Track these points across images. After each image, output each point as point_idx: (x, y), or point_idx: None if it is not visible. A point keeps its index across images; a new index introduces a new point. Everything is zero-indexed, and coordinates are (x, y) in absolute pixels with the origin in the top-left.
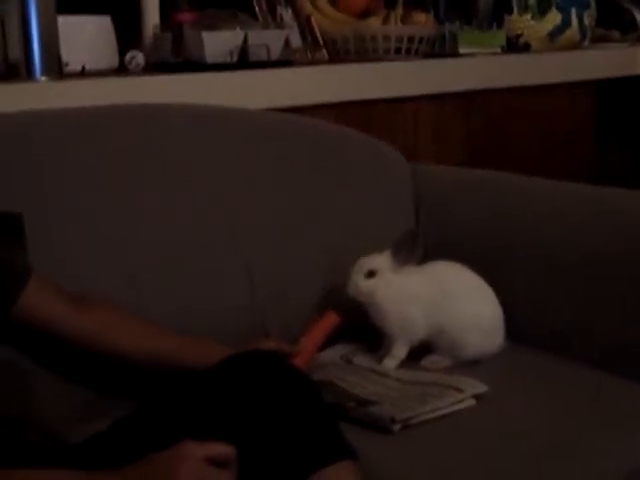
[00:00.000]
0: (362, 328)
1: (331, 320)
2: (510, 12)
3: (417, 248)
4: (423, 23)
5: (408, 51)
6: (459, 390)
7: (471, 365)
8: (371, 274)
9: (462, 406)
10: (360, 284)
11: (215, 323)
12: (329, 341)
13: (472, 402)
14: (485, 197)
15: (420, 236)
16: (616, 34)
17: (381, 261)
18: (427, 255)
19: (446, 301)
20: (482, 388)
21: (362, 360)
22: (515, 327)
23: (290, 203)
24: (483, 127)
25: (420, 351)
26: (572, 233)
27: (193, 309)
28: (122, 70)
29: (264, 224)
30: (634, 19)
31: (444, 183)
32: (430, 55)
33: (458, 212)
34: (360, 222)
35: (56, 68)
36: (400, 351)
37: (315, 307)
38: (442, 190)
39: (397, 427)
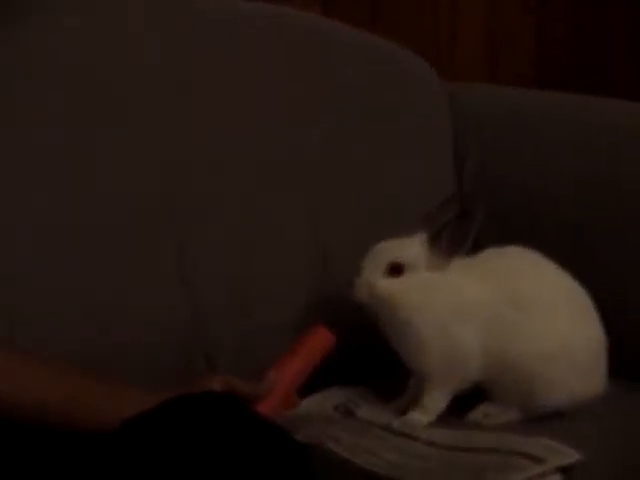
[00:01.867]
0: (372, 358)
1: (321, 340)
2: None
3: (467, 228)
4: None
5: None
6: (536, 460)
7: (552, 420)
8: (396, 270)
9: None
10: (378, 283)
11: (134, 350)
12: (318, 378)
13: (557, 478)
14: (576, 140)
15: (472, 207)
16: None
17: (412, 249)
18: (479, 237)
19: (518, 317)
20: (572, 456)
21: (371, 412)
22: (625, 359)
23: (266, 152)
24: (565, 21)
25: (468, 398)
26: None
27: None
28: None
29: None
30: None
31: (503, 116)
32: None
33: (528, 164)
34: (372, 185)
35: None
36: (437, 399)
37: (297, 321)
38: (500, 128)
39: None
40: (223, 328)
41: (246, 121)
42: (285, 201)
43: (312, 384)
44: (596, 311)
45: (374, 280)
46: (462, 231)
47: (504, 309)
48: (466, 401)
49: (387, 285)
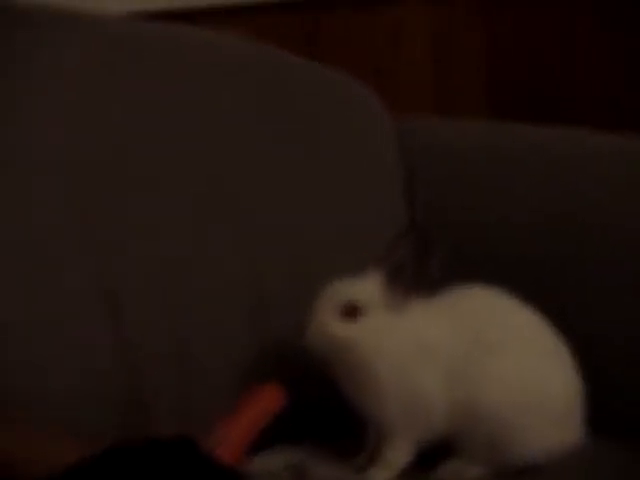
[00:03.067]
0: (325, 412)
1: (271, 399)
2: None
3: (427, 264)
4: None
5: None
6: None
7: (525, 476)
8: (351, 312)
9: None
10: (332, 326)
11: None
12: (266, 437)
13: None
14: (535, 173)
15: (430, 242)
16: None
17: (368, 289)
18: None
19: (485, 362)
20: None
21: (326, 472)
22: (602, 408)
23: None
24: (517, 43)
25: (433, 455)
26: None
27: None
28: None
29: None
30: None
31: (453, 148)
32: None
33: (483, 197)
34: (320, 216)
35: None
36: (399, 453)
37: (241, 374)
38: (452, 160)
39: None
40: (161, 379)
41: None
42: (220, 240)
43: (259, 441)
44: (569, 354)
45: (328, 323)
46: (421, 268)
47: (469, 353)
48: (431, 458)
49: (342, 328)
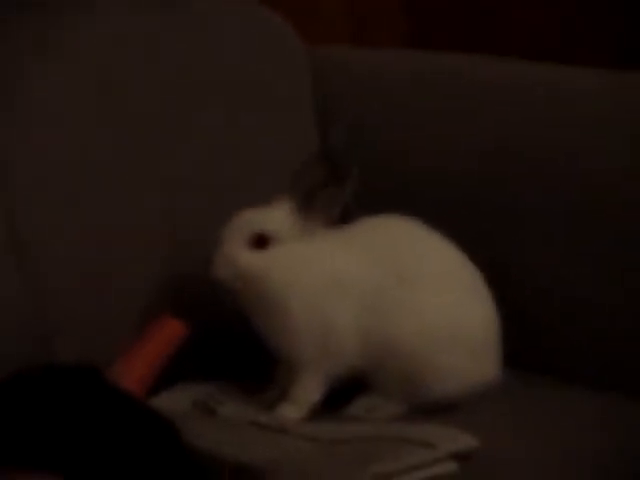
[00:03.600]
0: (232, 347)
1: (170, 331)
2: None
3: (339, 191)
4: None
5: None
6: (426, 445)
7: (442, 412)
8: (260, 242)
9: (437, 472)
10: (240, 257)
11: None
12: (172, 370)
13: (452, 466)
14: (449, 99)
15: (342, 168)
16: None
17: (278, 218)
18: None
19: (399, 293)
20: (468, 443)
21: (235, 409)
22: (519, 342)
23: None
24: None
25: (345, 392)
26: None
27: None
28: None
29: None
30: None
31: (371, 79)
32: None
33: (402, 131)
34: (229, 148)
35: None
36: (310, 389)
37: (145, 303)
38: (368, 93)
39: None
40: (64, 312)
41: None
42: (138, 168)
43: (165, 377)
44: (486, 288)
45: (236, 254)
46: (332, 195)
47: (383, 284)
48: (344, 393)
49: (251, 259)
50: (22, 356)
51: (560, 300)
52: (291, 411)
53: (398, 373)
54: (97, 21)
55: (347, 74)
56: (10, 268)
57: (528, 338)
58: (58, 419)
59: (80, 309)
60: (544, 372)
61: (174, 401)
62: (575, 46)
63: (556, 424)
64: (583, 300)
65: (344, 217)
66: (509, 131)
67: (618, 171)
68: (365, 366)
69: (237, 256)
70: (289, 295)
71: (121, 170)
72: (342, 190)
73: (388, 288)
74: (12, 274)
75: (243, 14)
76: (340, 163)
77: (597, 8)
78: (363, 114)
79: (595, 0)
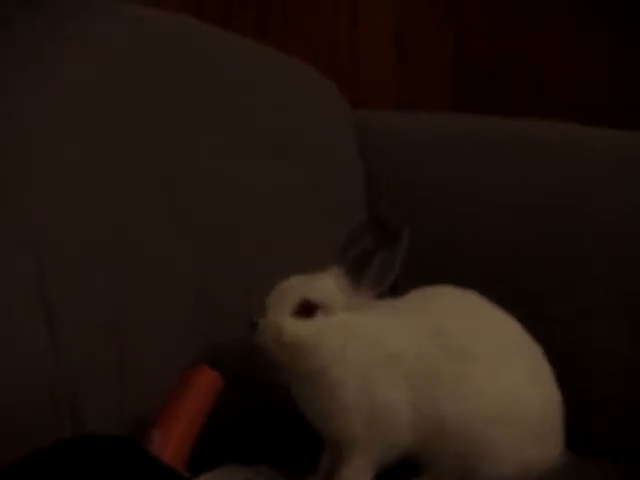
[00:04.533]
0: (275, 423)
1: (207, 381)
2: None
3: (391, 257)
4: None
5: None
6: None
7: None
8: (307, 310)
9: None
10: (286, 325)
11: None
12: (207, 453)
13: None
14: (503, 163)
15: (394, 233)
16: None
17: (326, 286)
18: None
19: (455, 370)
20: None
21: None
22: (585, 427)
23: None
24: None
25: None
26: None
27: None
28: None
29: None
30: None
31: (416, 142)
32: None
33: (452, 191)
34: (273, 216)
35: None
36: (359, 473)
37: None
38: (415, 155)
39: None
40: (96, 378)
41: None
42: (168, 233)
43: (205, 458)
44: (548, 364)
45: (280, 321)
46: (384, 262)
47: (438, 360)
48: (395, 475)
49: (297, 327)
50: (46, 419)
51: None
52: None
53: (452, 455)
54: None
55: (393, 139)
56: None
57: (594, 420)
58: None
59: (111, 375)
60: (602, 455)
61: None
62: (626, 105)
63: None
64: None
65: (396, 287)
66: (564, 192)
67: None
68: (418, 447)
69: (282, 323)
70: (336, 367)
71: (150, 222)
72: (394, 256)
73: (442, 363)
74: (40, 334)
75: (293, 73)
76: (390, 228)
77: None
78: (411, 179)
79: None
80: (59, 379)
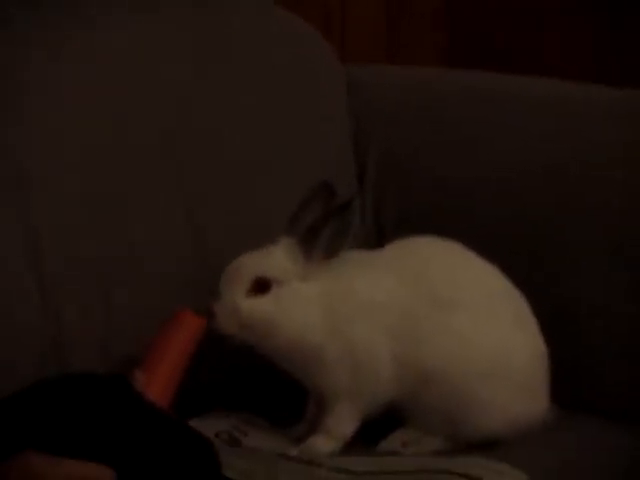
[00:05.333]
0: (261, 372)
1: (192, 325)
2: None
3: (344, 223)
4: None
5: None
6: (473, 479)
7: (485, 450)
8: (263, 286)
9: None
10: (244, 306)
11: None
12: (195, 400)
13: None
14: (493, 126)
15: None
16: None
17: (277, 259)
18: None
19: (438, 321)
20: (517, 477)
21: (262, 441)
22: (571, 379)
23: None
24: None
25: (381, 427)
26: None
27: None
28: None
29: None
30: None
31: (409, 98)
32: None
33: (444, 151)
34: (259, 164)
35: None
36: (344, 422)
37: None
38: (408, 112)
39: None
40: (84, 321)
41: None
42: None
43: (189, 408)
44: (533, 317)
45: (237, 302)
46: (336, 230)
47: (419, 310)
48: (380, 426)
49: (254, 306)
50: (30, 357)
51: (610, 337)
52: (323, 444)
53: (437, 406)
54: (112, 23)
55: (382, 92)
56: (28, 283)
57: (572, 375)
58: (105, 417)
59: (97, 318)
60: (589, 410)
61: (200, 429)
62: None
63: (603, 464)
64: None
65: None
66: (552, 147)
67: None
68: (402, 398)
69: (238, 304)
70: (308, 333)
71: (144, 185)
72: (345, 224)
73: (422, 313)
74: (30, 289)
75: (278, 22)
76: (340, 196)
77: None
78: (397, 133)
79: (629, 19)
80: (43, 318)
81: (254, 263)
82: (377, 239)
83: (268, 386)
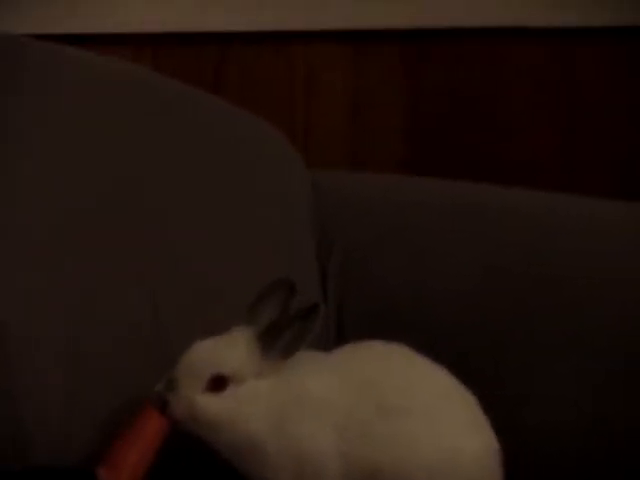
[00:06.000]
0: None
1: (157, 425)
2: None
3: (305, 327)
4: None
5: None
6: None
7: None
8: (219, 383)
9: None
10: (199, 402)
11: None
12: None
13: None
14: (454, 232)
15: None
16: None
17: (236, 355)
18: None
19: (383, 427)
20: None
21: None
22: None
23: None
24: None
25: None
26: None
27: None
28: None
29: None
30: None
31: (372, 205)
32: None
33: (403, 257)
34: (225, 267)
35: None
36: None
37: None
38: (369, 218)
39: None
40: (45, 410)
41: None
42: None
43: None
44: (484, 416)
45: (193, 398)
46: (297, 331)
47: (369, 416)
48: None
49: (210, 403)
50: None
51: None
52: None
53: None
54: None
55: (345, 197)
56: None
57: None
58: None
59: (59, 407)
60: None
61: None
62: (577, 172)
63: None
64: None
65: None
66: (509, 257)
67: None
68: None
69: (194, 401)
70: (256, 434)
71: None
72: (307, 327)
73: (373, 420)
74: None
75: (249, 127)
76: (307, 299)
77: (599, 136)
78: (358, 239)
79: (597, 128)
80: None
81: (213, 358)
82: (337, 340)
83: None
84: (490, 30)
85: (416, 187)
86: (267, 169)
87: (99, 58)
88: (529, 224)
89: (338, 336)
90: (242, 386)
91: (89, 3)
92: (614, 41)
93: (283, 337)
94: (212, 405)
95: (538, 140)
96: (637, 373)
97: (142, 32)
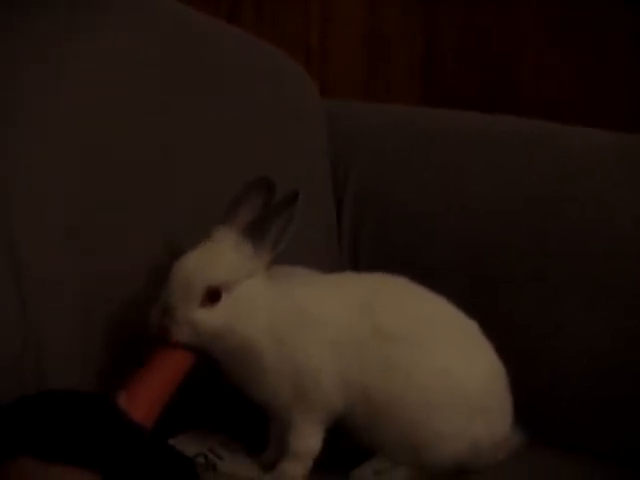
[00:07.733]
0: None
1: (181, 358)
2: None
3: (287, 224)
4: None
5: None
6: None
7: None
8: (214, 294)
9: None
10: (199, 318)
11: None
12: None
13: None
14: (469, 163)
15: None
16: None
17: (227, 262)
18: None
19: (382, 351)
20: None
21: (234, 466)
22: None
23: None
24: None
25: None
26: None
27: None
28: None
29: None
30: None
31: (385, 134)
32: None
33: (415, 184)
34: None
35: None
36: (305, 438)
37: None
38: (383, 147)
39: None
40: (63, 339)
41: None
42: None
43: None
44: (487, 341)
45: (193, 316)
46: (281, 224)
47: (365, 337)
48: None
49: (208, 317)
50: (14, 386)
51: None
52: (294, 467)
53: (394, 437)
54: (98, 38)
55: (360, 126)
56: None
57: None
58: (93, 427)
59: (77, 334)
60: (551, 441)
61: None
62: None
63: None
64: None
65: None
66: (520, 188)
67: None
68: (360, 425)
69: (194, 318)
70: (256, 336)
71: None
72: (290, 218)
73: (369, 342)
74: (11, 298)
75: (263, 54)
76: (284, 193)
77: (615, 61)
78: (374, 167)
79: (613, 53)
80: (23, 331)
81: (203, 271)
82: (353, 269)
83: (242, 408)
84: None
85: (430, 117)
86: (283, 102)
87: None
88: (546, 153)
89: (354, 267)
90: (236, 290)
91: None
92: None
93: (270, 230)
94: (211, 319)
95: (556, 77)
96: None
97: None
